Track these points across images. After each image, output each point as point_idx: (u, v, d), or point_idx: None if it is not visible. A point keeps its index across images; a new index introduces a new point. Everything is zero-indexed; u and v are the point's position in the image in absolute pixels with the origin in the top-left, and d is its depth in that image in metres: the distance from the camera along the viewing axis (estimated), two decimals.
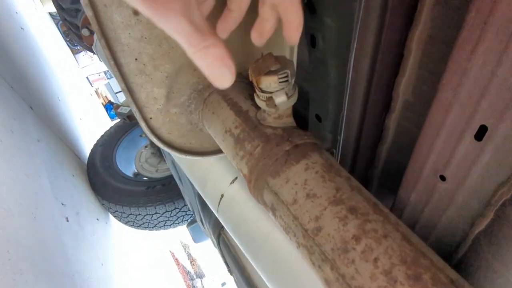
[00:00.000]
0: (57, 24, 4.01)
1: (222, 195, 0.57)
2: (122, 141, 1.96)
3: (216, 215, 0.61)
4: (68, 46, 4.12)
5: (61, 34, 4.04)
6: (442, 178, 0.48)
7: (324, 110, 0.62)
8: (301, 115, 0.67)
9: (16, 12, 2.20)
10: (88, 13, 0.30)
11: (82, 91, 3.36)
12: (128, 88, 0.36)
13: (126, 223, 1.77)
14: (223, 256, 0.86)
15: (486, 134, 0.37)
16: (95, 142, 1.93)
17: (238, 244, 0.56)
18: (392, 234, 0.25)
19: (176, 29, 0.22)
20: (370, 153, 0.68)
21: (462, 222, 0.50)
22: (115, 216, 1.77)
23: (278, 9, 0.28)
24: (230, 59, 0.24)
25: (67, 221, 1.26)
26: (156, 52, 0.35)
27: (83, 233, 1.38)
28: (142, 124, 0.40)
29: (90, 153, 1.88)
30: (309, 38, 0.53)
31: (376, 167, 0.70)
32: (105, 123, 3.62)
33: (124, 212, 1.68)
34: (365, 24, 0.41)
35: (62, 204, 1.28)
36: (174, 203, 1.66)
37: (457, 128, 0.41)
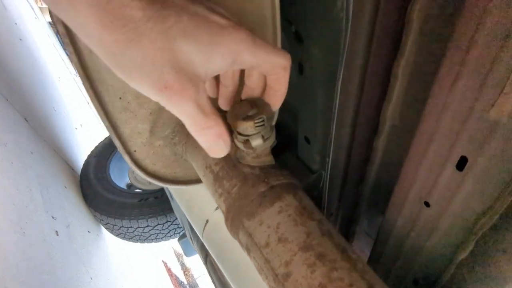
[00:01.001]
0: (56, 34, 4.05)
1: (207, 221, 0.58)
2: (116, 152, 1.96)
3: (201, 240, 0.62)
4: (67, 55, 4.15)
5: (60, 43, 4.07)
6: (427, 204, 0.49)
7: (312, 133, 0.63)
8: (292, 131, 0.68)
9: (15, 23, 2.22)
10: (73, 59, 0.31)
11: (79, 101, 3.38)
12: (111, 125, 0.38)
13: (117, 235, 1.76)
14: (210, 276, 0.86)
15: (467, 164, 0.38)
16: (89, 153, 1.93)
17: (222, 270, 0.57)
18: (358, 283, 0.26)
19: (185, 112, 0.24)
20: (359, 174, 0.69)
21: (446, 248, 0.51)
22: (106, 228, 1.76)
23: (267, 78, 0.29)
24: (227, 135, 0.26)
25: (57, 235, 1.25)
26: (138, 94, 0.37)
27: (73, 246, 1.37)
28: (126, 157, 0.41)
29: (83, 164, 1.87)
30: (297, 65, 0.55)
31: (365, 188, 0.71)
32: (100, 134, 3.62)
33: (116, 225, 1.67)
34: (351, 54, 0.42)
35: (53, 218, 1.28)
36: (166, 216, 1.65)
37: (439, 157, 0.42)
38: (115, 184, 1.80)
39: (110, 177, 1.83)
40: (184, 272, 4.89)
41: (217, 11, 0.23)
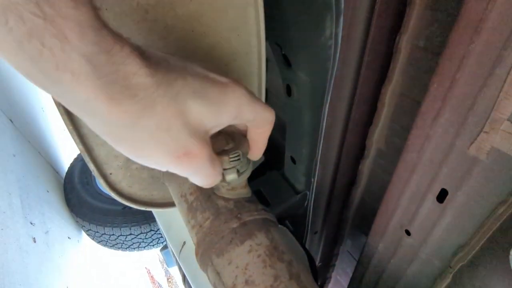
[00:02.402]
0: None
1: (184, 243, 0.57)
2: None
3: (178, 261, 0.60)
4: None
5: None
6: (408, 232, 0.49)
7: (298, 154, 0.63)
8: (279, 145, 0.68)
9: None
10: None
11: None
12: (86, 149, 0.37)
13: (99, 242, 1.72)
14: None
15: (447, 197, 0.38)
16: (75, 156, 1.90)
17: None
18: None
19: (202, 171, 0.25)
20: (344, 196, 0.69)
21: (425, 278, 0.51)
22: (88, 235, 1.72)
23: (250, 131, 0.30)
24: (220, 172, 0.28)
25: (34, 242, 1.21)
26: None
27: (50, 254, 1.33)
28: (101, 180, 0.40)
29: (68, 168, 1.83)
30: (285, 87, 0.55)
31: (349, 209, 0.71)
32: None
33: (97, 231, 1.63)
34: (340, 79, 0.43)
35: (31, 224, 1.24)
36: (149, 225, 1.62)
37: (420, 188, 0.43)
38: (100, 190, 1.77)
39: (95, 182, 1.79)
40: (167, 279, 4.79)
41: (209, 68, 0.23)
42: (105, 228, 1.62)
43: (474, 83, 0.28)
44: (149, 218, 1.61)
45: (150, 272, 3.87)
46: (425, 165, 0.39)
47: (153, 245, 1.72)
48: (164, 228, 0.64)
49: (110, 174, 0.41)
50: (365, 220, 0.70)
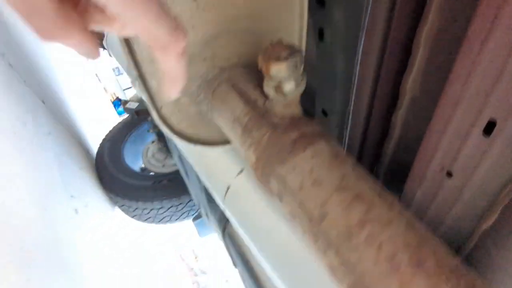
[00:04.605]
0: None
1: (229, 187, 0.58)
2: (130, 136, 1.99)
3: (222, 207, 0.62)
4: None
5: None
6: (449, 174, 0.48)
7: (330, 105, 0.62)
8: (306, 110, 0.67)
9: None
10: None
11: (91, 88, 3.42)
12: (140, 76, 0.37)
13: (133, 216, 1.80)
14: (228, 249, 0.87)
15: (495, 129, 0.36)
16: (103, 137, 1.97)
17: (243, 236, 0.57)
18: (396, 221, 0.26)
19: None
20: (376, 149, 0.68)
21: (469, 219, 0.50)
22: (122, 210, 1.80)
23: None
24: None
25: (76, 213, 1.29)
26: None
27: (91, 225, 1.41)
28: (153, 113, 0.41)
29: (98, 148, 1.91)
30: (317, 31, 0.54)
31: (382, 164, 0.70)
32: (113, 119, 3.67)
33: (131, 206, 1.71)
34: (373, 17, 0.41)
35: (72, 196, 1.31)
36: (180, 198, 1.68)
37: (465, 123, 0.41)
38: (130, 167, 1.83)
39: (124, 160, 1.86)
40: (194, 258, 5.00)
41: None
42: (138, 202, 1.69)
43: None
44: (179, 192, 1.67)
45: (178, 251, 4.05)
46: (471, 97, 0.37)
47: (183, 218, 1.78)
48: (206, 179, 0.66)
49: (161, 108, 0.42)
50: (399, 175, 0.68)
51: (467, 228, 0.50)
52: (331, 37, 0.52)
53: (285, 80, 0.30)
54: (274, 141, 0.33)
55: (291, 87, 0.31)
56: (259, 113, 0.36)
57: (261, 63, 0.31)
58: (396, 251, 0.24)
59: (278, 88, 0.31)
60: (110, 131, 2.02)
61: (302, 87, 0.33)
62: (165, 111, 0.42)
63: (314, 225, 0.28)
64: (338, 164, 0.30)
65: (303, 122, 0.34)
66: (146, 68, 0.37)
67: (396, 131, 0.58)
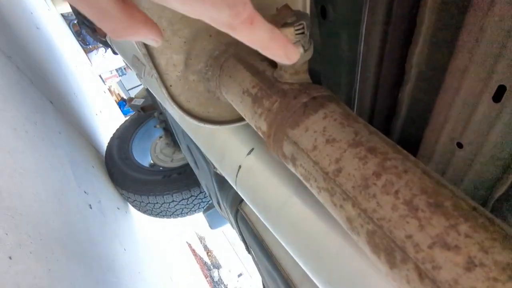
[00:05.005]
0: (69, 25, 4.11)
1: (240, 166, 0.59)
2: (138, 133, 2.01)
3: (235, 187, 0.63)
4: (80, 45, 4.22)
5: (73, 34, 4.14)
6: (459, 145, 0.48)
7: (336, 85, 0.61)
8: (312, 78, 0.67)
9: (31, 13, 2.27)
10: None
11: (96, 89, 3.45)
12: (149, 54, 0.38)
13: (145, 212, 1.83)
14: (241, 234, 0.88)
15: (505, 94, 0.36)
16: (111, 135, 1.99)
17: (257, 213, 0.58)
18: (412, 170, 0.26)
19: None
20: (384, 127, 0.67)
21: (481, 188, 0.50)
22: (133, 206, 1.83)
23: None
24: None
25: (91, 208, 1.31)
26: (174, 16, 0.37)
27: (106, 220, 1.44)
28: (163, 90, 0.42)
29: (107, 146, 1.94)
30: (320, 9, 0.53)
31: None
32: (119, 119, 3.71)
33: (142, 201, 1.74)
34: None
35: (85, 192, 1.34)
36: (190, 191, 1.70)
37: (474, 91, 0.41)
38: (139, 163, 1.86)
39: (133, 156, 1.89)
40: (207, 253, 5.06)
41: None
42: (149, 197, 1.71)
43: None
44: (189, 185, 1.68)
45: (191, 246, 4.11)
46: (479, 64, 0.37)
47: (194, 210, 1.81)
48: (217, 162, 0.66)
49: (171, 86, 0.43)
50: (408, 151, 0.68)
51: (480, 197, 0.50)
52: (334, 15, 0.52)
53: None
54: (285, 106, 0.33)
55: (300, 52, 0.31)
56: (268, 83, 0.36)
57: None
58: (413, 196, 0.24)
59: None
60: (118, 129, 2.04)
61: (309, 53, 0.33)
62: (174, 89, 0.43)
63: (330, 181, 0.29)
64: (350, 122, 0.30)
65: (313, 87, 0.34)
66: (153, 47, 0.38)
67: (404, 107, 0.58)
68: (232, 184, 0.64)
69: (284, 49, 0.27)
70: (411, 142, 0.61)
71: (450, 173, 0.53)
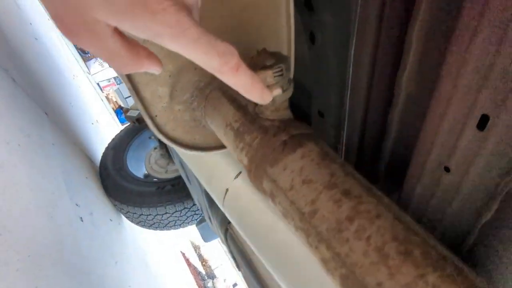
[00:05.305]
0: None
1: (227, 190, 0.59)
2: (132, 144, 2.01)
3: (222, 209, 0.63)
4: (79, 54, 4.25)
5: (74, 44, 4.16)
6: (447, 169, 0.49)
7: (326, 106, 0.62)
8: (303, 112, 0.68)
9: (30, 23, 2.29)
10: None
11: (93, 97, 3.46)
12: (133, 88, 0.39)
13: (138, 223, 1.81)
14: (230, 252, 0.88)
15: (488, 123, 0.37)
16: (106, 145, 1.99)
17: (243, 236, 0.58)
18: (384, 214, 0.26)
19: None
20: (374, 148, 0.68)
21: (468, 213, 0.50)
22: (127, 217, 1.82)
23: None
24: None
25: (82, 221, 1.30)
26: (159, 53, 0.38)
27: (97, 232, 1.42)
28: (149, 122, 0.42)
29: (102, 156, 1.93)
30: (308, 35, 0.55)
31: (381, 162, 0.70)
32: (116, 127, 3.71)
33: (135, 213, 1.73)
34: (364, 19, 0.42)
35: (77, 205, 1.33)
36: (183, 203, 1.69)
37: (459, 118, 0.42)
38: (133, 174, 1.85)
39: (127, 167, 1.88)
40: (202, 263, 5.00)
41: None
42: (142, 209, 1.70)
43: None
44: (182, 197, 1.68)
45: (185, 256, 4.06)
46: (463, 93, 0.38)
47: (187, 223, 1.79)
48: (206, 183, 0.67)
49: (156, 116, 0.44)
50: (399, 172, 0.69)
51: (467, 222, 0.51)
52: (322, 41, 0.53)
53: (271, 87, 0.32)
54: (265, 143, 0.34)
55: (278, 93, 0.32)
56: (250, 118, 0.37)
57: None
58: (384, 243, 0.25)
59: None
60: (113, 140, 2.04)
61: (289, 92, 0.34)
62: (160, 119, 0.44)
63: (306, 222, 0.29)
64: (327, 163, 0.31)
65: (293, 125, 0.35)
66: (138, 79, 0.39)
67: (393, 128, 0.59)
68: (219, 206, 0.64)
69: (261, 93, 0.29)
70: (400, 163, 0.62)
71: (439, 196, 0.53)
